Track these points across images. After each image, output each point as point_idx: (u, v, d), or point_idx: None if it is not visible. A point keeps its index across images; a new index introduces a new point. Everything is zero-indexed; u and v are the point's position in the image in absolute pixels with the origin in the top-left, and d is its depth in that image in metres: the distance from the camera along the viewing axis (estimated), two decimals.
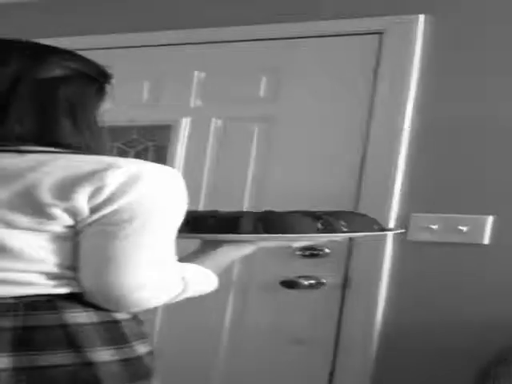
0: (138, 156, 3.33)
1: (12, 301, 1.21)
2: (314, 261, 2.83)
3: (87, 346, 1.22)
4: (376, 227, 1.63)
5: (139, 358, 1.28)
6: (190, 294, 1.34)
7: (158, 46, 3.26)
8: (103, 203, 1.19)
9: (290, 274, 2.82)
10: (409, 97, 2.77)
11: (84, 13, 3.40)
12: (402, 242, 2.72)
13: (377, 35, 2.86)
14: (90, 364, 1.21)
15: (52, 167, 1.19)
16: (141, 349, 1.30)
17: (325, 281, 2.82)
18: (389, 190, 2.75)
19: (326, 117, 2.92)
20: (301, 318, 2.85)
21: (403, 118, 2.76)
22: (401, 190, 2.75)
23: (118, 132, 3.38)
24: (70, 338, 1.21)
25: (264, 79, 3.05)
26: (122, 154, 3.36)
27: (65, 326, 1.22)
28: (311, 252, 2.82)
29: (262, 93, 3.05)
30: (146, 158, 3.33)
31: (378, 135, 2.80)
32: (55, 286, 1.24)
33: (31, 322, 1.21)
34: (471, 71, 2.70)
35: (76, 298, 1.25)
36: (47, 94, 1.26)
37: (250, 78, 3.06)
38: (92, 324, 1.24)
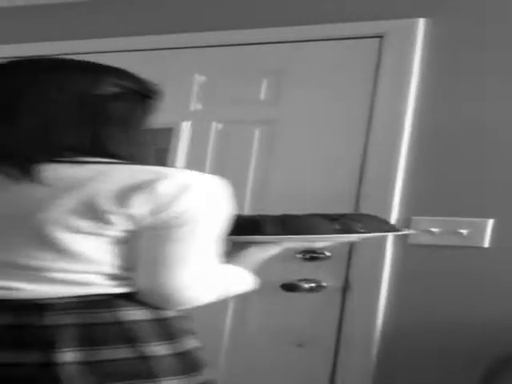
0: None
1: (74, 300, 1.31)
2: (314, 264, 2.83)
3: (142, 341, 1.32)
4: (389, 228, 1.71)
5: (189, 352, 1.39)
6: (231, 292, 1.47)
7: (158, 49, 3.26)
8: (155, 211, 1.30)
9: (291, 277, 2.82)
10: (409, 100, 2.77)
11: (84, 16, 3.40)
12: (402, 244, 2.72)
13: (377, 39, 2.87)
14: (145, 358, 1.31)
15: (109, 177, 1.30)
16: (190, 343, 1.41)
17: (325, 284, 2.83)
18: (389, 192, 2.76)
19: (326, 120, 2.92)
20: (302, 320, 2.85)
21: (404, 121, 2.77)
22: (401, 193, 2.75)
23: None
24: (127, 334, 1.32)
25: (265, 82, 3.05)
26: None
27: (121, 323, 1.32)
28: (312, 255, 2.82)
29: (262, 96, 3.05)
30: None
31: (379, 138, 2.81)
32: (112, 286, 1.35)
33: (91, 320, 1.31)
34: (471, 74, 2.70)
35: (131, 297, 1.36)
36: (102, 110, 1.37)
37: (250, 81, 3.06)
38: (146, 321, 1.35)
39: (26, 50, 3.12)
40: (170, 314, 1.40)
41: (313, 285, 2.82)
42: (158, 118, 3.19)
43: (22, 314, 1.31)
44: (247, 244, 1.56)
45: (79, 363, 1.27)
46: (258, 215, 1.64)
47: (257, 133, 3.04)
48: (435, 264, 2.70)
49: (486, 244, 2.62)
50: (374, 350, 2.75)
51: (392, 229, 1.75)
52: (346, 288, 2.82)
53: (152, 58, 3.28)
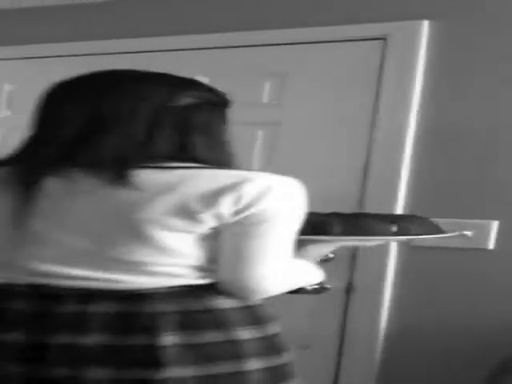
0: None
1: (169, 290, 1.48)
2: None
3: (231, 326, 1.48)
4: (438, 230, 1.80)
5: (273, 336, 1.55)
6: (302, 284, 1.64)
7: (161, 51, 3.26)
8: (240, 210, 1.44)
9: None
10: (413, 102, 2.77)
11: (87, 18, 3.40)
12: (406, 246, 2.72)
13: (381, 41, 2.87)
14: (233, 341, 1.47)
15: (197, 181, 1.44)
16: (274, 329, 1.56)
17: (329, 285, 2.82)
18: (393, 194, 2.76)
19: (329, 122, 2.92)
20: (305, 322, 2.85)
21: (407, 123, 2.77)
22: (405, 195, 2.75)
23: None
24: (218, 320, 1.48)
25: (267, 84, 3.05)
26: None
27: (213, 311, 1.49)
28: None
29: (265, 98, 3.05)
30: None
31: (382, 140, 2.81)
32: (199, 278, 1.50)
33: (187, 308, 1.47)
34: (475, 76, 2.71)
35: (216, 288, 1.51)
36: (186, 119, 1.51)
37: (253, 82, 3.06)
38: (234, 309, 1.51)
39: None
40: (256, 302, 1.55)
41: (316, 286, 2.81)
42: None
43: (124, 303, 1.46)
44: (307, 241, 1.70)
45: (179, 346, 1.43)
46: (322, 214, 1.75)
47: (259, 135, 3.04)
48: (439, 266, 2.70)
49: (491, 246, 2.63)
50: (378, 352, 2.75)
51: (440, 231, 1.82)
52: (349, 289, 2.82)
53: (154, 60, 3.27)
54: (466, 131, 2.69)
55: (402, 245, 2.72)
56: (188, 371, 1.43)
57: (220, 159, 1.54)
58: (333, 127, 2.91)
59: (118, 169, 1.43)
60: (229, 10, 3.14)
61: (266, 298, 1.57)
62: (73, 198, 1.47)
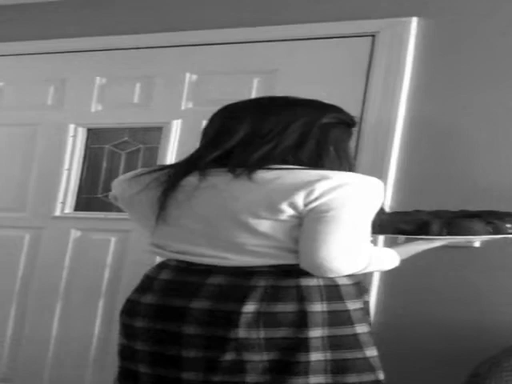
0: (129, 158, 3.32)
1: (264, 269, 1.78)
2: None
3: (308, 300, 1.76)
4: None
5: (346, 311, 1.80)
6: (374, 267, 1.85)
7: (150, 47, 3.26)
8: (311, 201, 1.71)
9: None
10: (401, 98, 2.77)
11: (75, 15, 3.40)
12: (392, 244, 2.70)
13: (370, 37, 2.87)
14: (303, 312, 1.75)
15: (284, 179, 1.74)
16: (352, 305, 1.81)
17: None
18: None
19: None
20: None
21: (395, 119, 2.76)
22: (393, 192, 2.75)
23: (109, 134, 3.38)
24: (300, 295, 1.76)
25: (256, 81, 3.05)
26: (115, 155, 3.36)
27: (299, 287, 1.77)
28: None
29: (253, 94, 3.03)
30: (137, 160, 3.33)
31: (371, 136, 2.80)
32: (291, 259, 1.77)
33: (278, 283, 1.77)
34: (463, 72, 2.71)
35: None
36: (324, 134, 1.83)
37: (241, 79, 3.05)
38: (317, 286, 1.78)
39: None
40: (339, 281, 1.80)
41: None
42: (149, 117, 3.21)
43: (231, 276, 1.80)
44: (412, 238, 2.03)
45: (255, 313, 1.74)
46: (426, 213, 2.03)
47: None
48: (425, 263, 2.67)
49: (477, 243, 2.61)
50: None
51: None
52: None
53: (143, 57, 3.27)
54: (453, 127, 2.69)
55: (387, 242, 2.69)
56: (254, 333, 1.74)
57: (343, 169, 1.82)
58: None
59: (250, 168, 1.76)
60: (216, 7, 3.14)
61: (357, 278, 1.84)
62: (200, 191, 1.80)
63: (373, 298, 2.74)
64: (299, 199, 1.72)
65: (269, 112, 1.86)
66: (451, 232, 1.88)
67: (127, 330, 1.91)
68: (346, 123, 1.91)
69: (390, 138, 2.76)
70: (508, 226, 1.90)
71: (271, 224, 1.76)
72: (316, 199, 1.72)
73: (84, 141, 3.38)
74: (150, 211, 1.87)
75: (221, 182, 1.80)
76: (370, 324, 1.88)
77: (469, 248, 2.61)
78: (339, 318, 1.79)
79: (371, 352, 1.83)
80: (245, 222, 1.77)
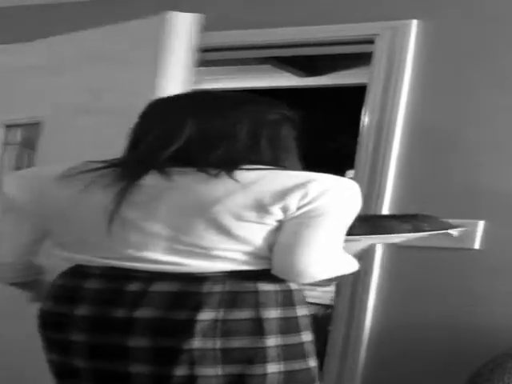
0: None
1: (218, 274, 1.68)
2: None
3: (263, 306, 1.68)
4: (448, 226, 2.02)
5: (297, 318, 1.73)
6: (343, 272, 1.77)
7: None
8: (304, 204, 1.65)
9: None
10: (401, 102, 2.76)
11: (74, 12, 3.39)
12: (391, 246, 2.70)
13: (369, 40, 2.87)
14: (258, 319, 1.67)
15: (272, 179, 1.66)
16: (301, 311, 1.75)
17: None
18: (380, 194, 2.75)
19: None
20: None
21: (395, 123, 2.76)
22: (391, 195, 2.74)
23: None
24: (256, 300, 1.68)
25: None
26: None
27: (256, 292, 1.68)
28: None
29: None
30: None
31: (369, 139, 2.79)
32: (258, 264, 1.70)
33: (235, 289, 1.68)
34: (463, 75, 2.70)
35: (267, 273, 1.70)
36: (274, 132, 1.76)
37: None
38: (274, 291, 1.70)
39: None
40: (293, 287, 1.73)
41: None
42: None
43: (179, 283, 1.69)
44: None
45: (212, 320, 1.64)
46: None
47: None
48: (425, 265, 2.68)
49: (477, 246, 2.61)
50: (363, 353, 2.73)
51: (450, 227, 2.03)
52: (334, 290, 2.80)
53: None
54: (453, 130, 2.69)
55: (387, 244, 2.70)
56: (210, 343, 1.64)
57: (290, 163, 1.77)
58: None
59: (227, 168, 1.66)
60: (220, 10, 3.14)
61: (304, 284, 1.75)
62: (167, 192, 1.68)
63: (372, 300, 2.74)
64: (293, 202, 1.65)
65: (214, 110, 1.76)
66: (367, 231, 1.90)
67: (58, 346, 1.77)
68: (290, 118, 1.82)
69: (390, 141, 2.75)
70: (425, 224, 1.95)
71: (252, 227, 1.67)
72: (309, 203, 1.65)
73: None
74: (96, 215, 1.71)
75: (192, 183, 1.68)
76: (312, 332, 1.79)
77: (468, 251, 2.61)
78: (289, 325, 1.72)
79: (313, 362, 1.76)
80: (224, 224, 1.66)
